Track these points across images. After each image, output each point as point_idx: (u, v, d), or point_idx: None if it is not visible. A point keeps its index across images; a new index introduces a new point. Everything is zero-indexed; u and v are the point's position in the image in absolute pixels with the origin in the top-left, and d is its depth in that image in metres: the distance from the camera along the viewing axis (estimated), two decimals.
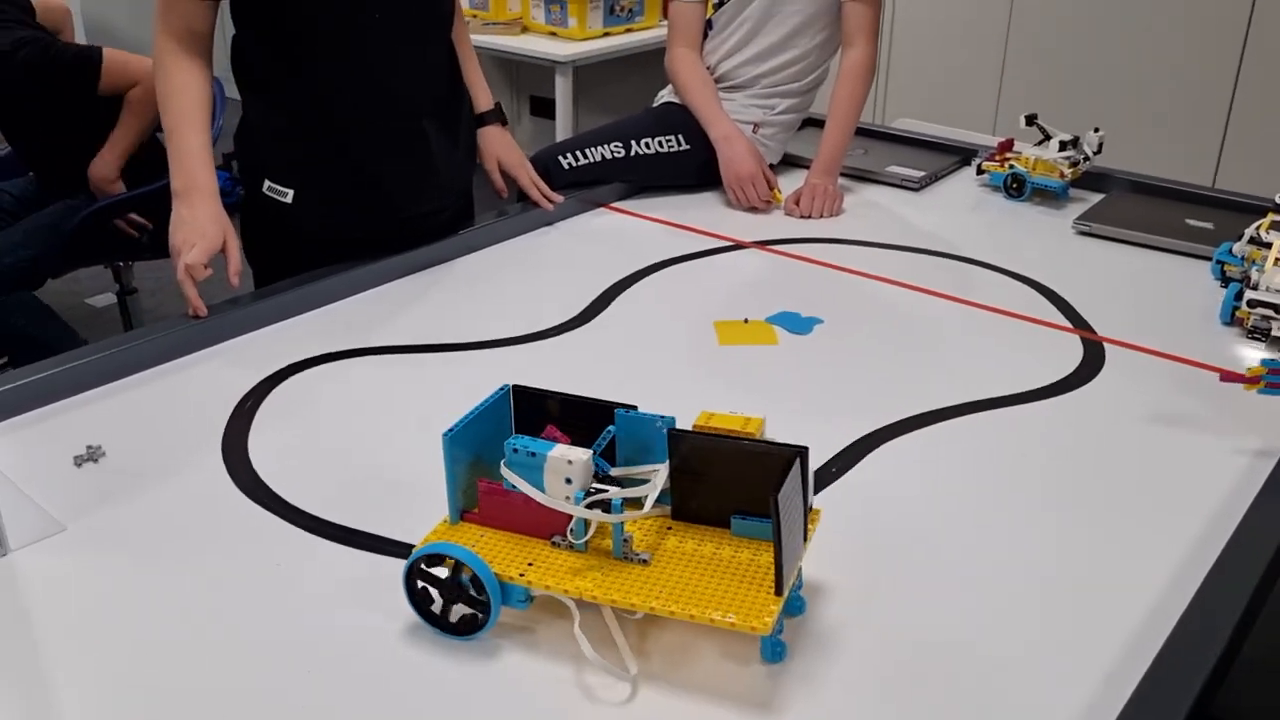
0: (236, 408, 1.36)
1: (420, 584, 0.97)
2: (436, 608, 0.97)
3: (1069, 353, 1.53)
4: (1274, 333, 1.53)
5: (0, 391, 1.33)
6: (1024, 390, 1.42)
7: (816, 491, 1.20)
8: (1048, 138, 2.13)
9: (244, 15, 1.64)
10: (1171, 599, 1.02)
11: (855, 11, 2.07)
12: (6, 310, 2.71)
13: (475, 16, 4.13)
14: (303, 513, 1.16)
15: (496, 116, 1.97)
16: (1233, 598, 0.98)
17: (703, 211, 2.08)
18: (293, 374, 1.45)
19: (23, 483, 1.18)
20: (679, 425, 0.99)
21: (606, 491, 0.95)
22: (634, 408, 1.01)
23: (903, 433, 1.32)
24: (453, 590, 0.96)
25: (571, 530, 0.96)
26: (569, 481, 0.95)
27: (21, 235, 2.77)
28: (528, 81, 4.97)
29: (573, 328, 1.60)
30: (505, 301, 1.69)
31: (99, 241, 2.88)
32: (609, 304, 1.68)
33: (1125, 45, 3.47)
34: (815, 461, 1.24)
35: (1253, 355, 1.51)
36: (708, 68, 2.19)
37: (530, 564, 0.96)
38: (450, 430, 0.97)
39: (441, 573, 0.96)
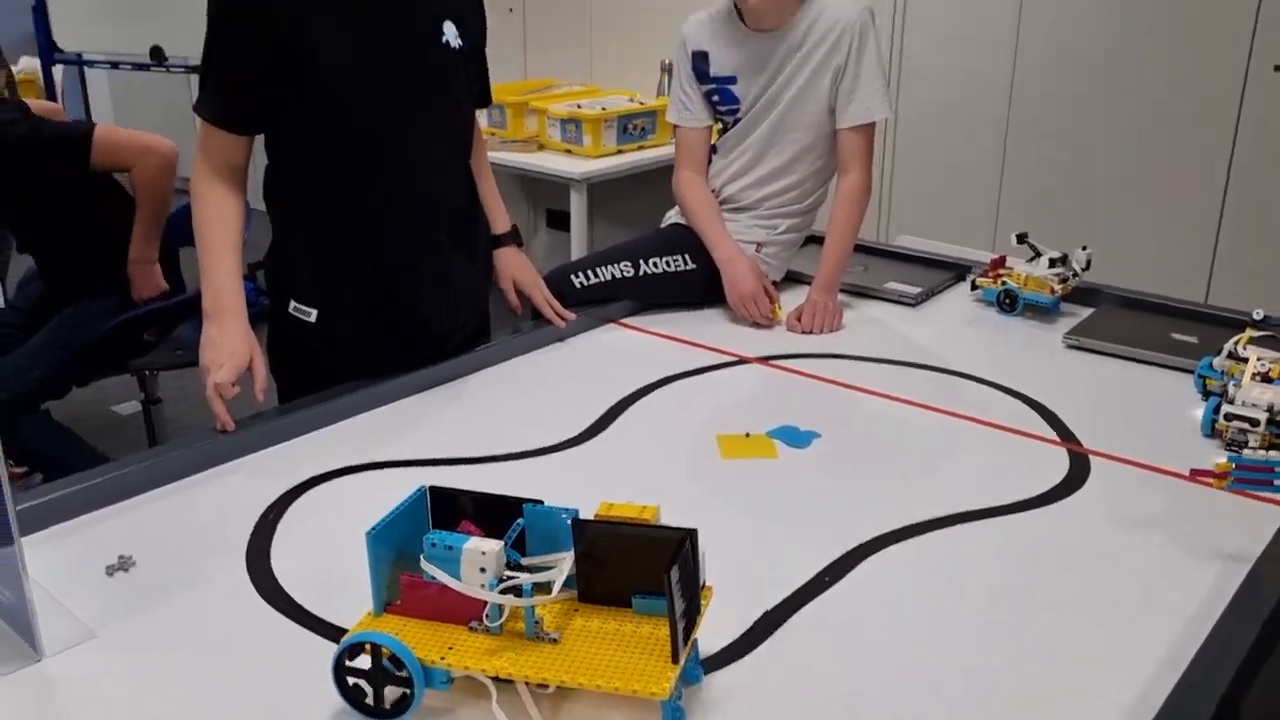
0: (260, 519, 1.43)
1: (348, 675, 1.04)
2: (367, 698, 1.04)
3: (1056, 465, 1.59)
4: (1250, 444, 1.58)
5: (36, 504, 1.40)
6: (1011, 502, 1.48)
7: (808, 600, 1.26)
8: (1038, 255, 2.21)
9: (275, 147, 1.77)
10: (1143, 706, 1.06)
11: (850, 140, 2.18)
12: (23, 429, 2.72)
13: (493, 134, 4.28)
14: (323, 621, 1.22)
15: (513, 238, 2.07)
16: (1201, 702, 1.02)
17: (708, 327, 2.16)
18: (314, 486, 1.52)
19: (57, 591, 1.24)
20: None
21: (517, 578, 1.04)
22: (540, 502, 1.10)
23: (893, 543, 1.38)
24: (378, 676, 1.03)
25: (487, 615, 1.04)
26: (483, 571, 1.03)
27: (27, 357, 2.77)
28: (544, 195, 5.12)
29: (583, 441, 1.67)
30: (519, 415, 1.76)
31: (122, 350, 2.94)
32: (617, 417, 1.75)
33: (1119, 164, 3.59)
34: (809, 571, 1.31)
35: None
36: (713, 189, 2.30)
37: (450, 648, 1.03)
38: (372, 529, 1.06)
39: (366, 662, 1.03)
